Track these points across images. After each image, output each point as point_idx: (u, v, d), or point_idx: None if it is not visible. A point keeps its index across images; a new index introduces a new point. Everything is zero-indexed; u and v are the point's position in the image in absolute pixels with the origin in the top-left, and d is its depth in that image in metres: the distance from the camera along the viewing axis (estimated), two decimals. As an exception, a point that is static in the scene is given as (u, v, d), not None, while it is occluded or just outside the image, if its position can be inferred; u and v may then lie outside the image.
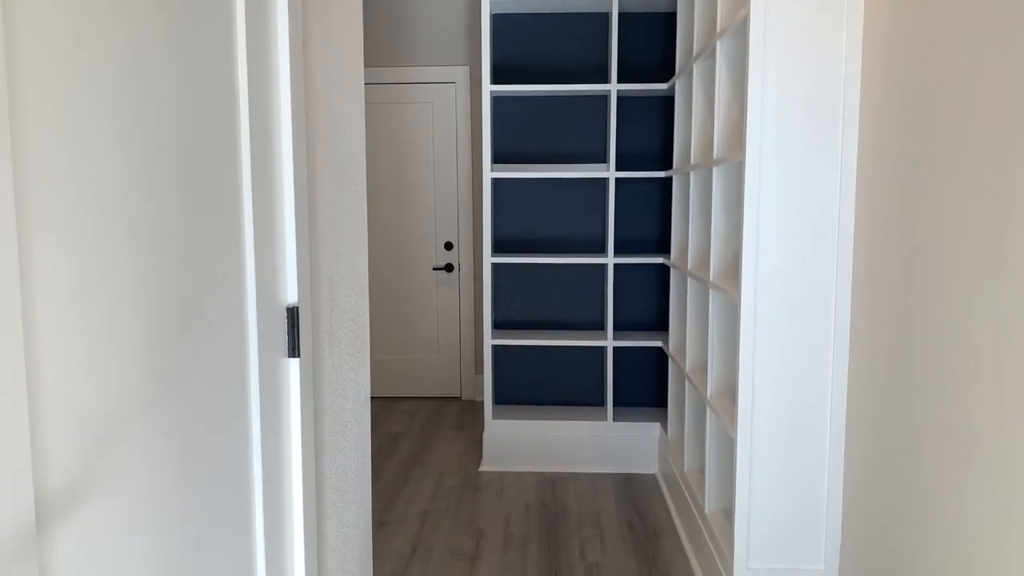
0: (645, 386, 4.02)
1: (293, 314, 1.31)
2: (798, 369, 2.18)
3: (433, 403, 5.08)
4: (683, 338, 3.46)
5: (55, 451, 0.75)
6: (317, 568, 1.53)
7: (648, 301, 3.98)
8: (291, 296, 1.32)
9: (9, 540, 0.66)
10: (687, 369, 3.03)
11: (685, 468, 3.07)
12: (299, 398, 1.33)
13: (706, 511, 2.65)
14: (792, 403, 2.19)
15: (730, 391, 2.61)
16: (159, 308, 0.93)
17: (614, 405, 3.91)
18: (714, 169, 2.55)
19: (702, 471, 3.00)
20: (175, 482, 0.98)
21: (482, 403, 5.07)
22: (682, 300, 3.45)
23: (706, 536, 2.62)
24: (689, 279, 3.06)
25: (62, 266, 0.76)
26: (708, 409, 2.63)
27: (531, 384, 4.05)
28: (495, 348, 4.01)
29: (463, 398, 5.17)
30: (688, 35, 3.33)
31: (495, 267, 3.98)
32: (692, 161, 2.98)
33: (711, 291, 2.61)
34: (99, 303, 0.82)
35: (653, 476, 3.73)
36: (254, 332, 1.18)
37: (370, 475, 1.94)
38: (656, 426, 3.76)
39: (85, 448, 0.79)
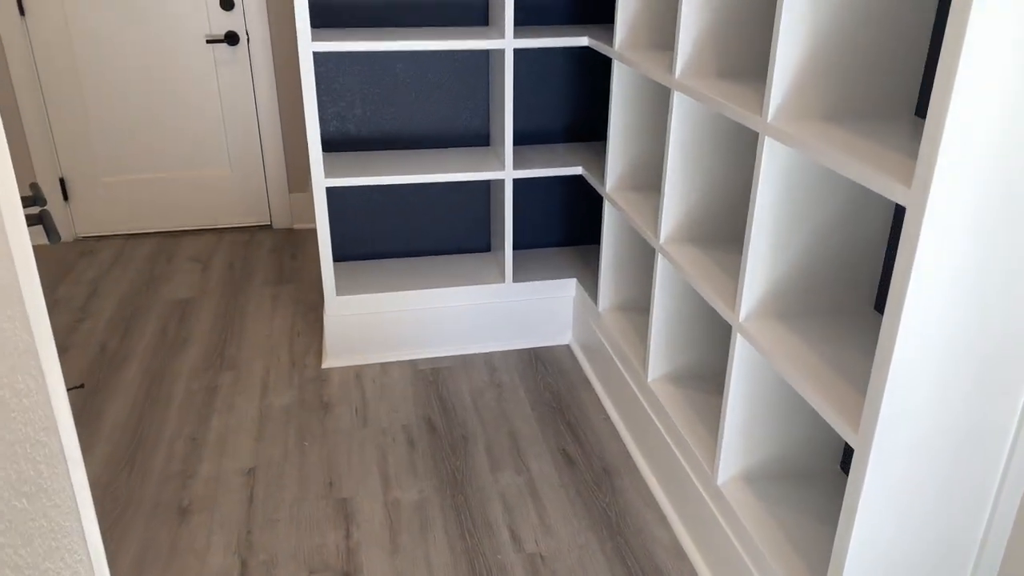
0: (550, 218, 2.87)
1: None
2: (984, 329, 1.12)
3: (233, 238, 3.64)
4: (636, 161, 2.29)
5: None
6: None
7: (558, 102, 2.69)
8: None
9: None
10: (662, 239, 1.90)
11: (650, 378, 2.06)
12: None
13: (719, 483, 1.69)
14: (964, 379, 1.16)
15: (776, 299, 1.53)
16: None
17: (513, 248, 2.73)
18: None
19: (699, 409, 2.01)
20: None
21: (303, 232, 3.70)
22: (631, 105, 2.21)
23: (722, 524, 1.68)
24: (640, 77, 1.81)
25: None
26: (739, 337, 1.56)
27: (386, 229, 2.76)
28: (329, 191, 2.63)
29: (275, 227, 3.76)
30: None
31: (320, 59, 2.47)
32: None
33: (769, 142, 1.41)
34: None
35: (567, 348, 2.73)
36: None
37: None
38: (571, 283, 2.68)
39: None
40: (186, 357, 2.65)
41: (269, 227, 3.75)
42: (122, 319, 2.89)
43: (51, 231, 1.47)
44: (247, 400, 2.41)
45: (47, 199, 3.44)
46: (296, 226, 3.76)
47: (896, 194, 1.05)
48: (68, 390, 2.45)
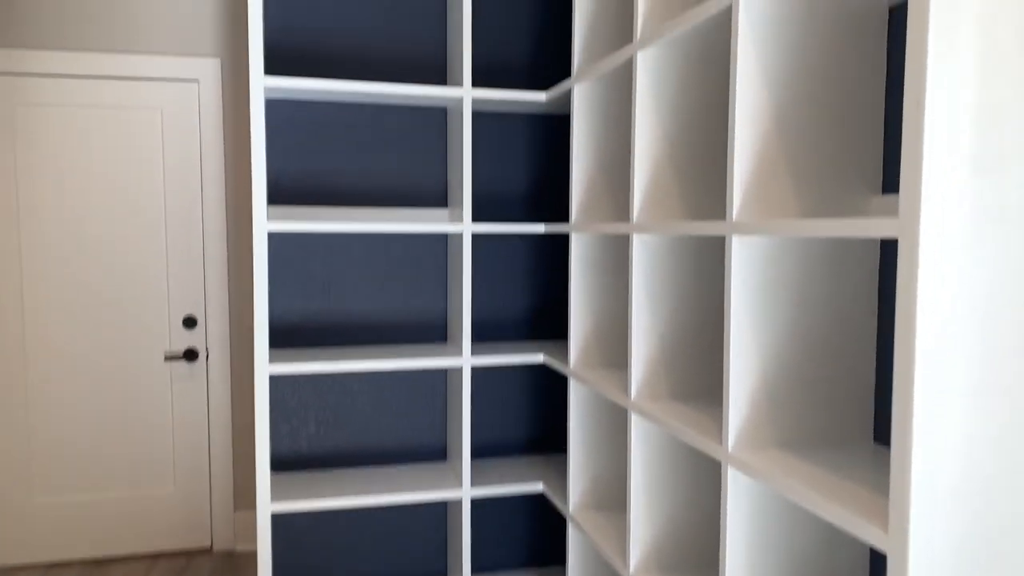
0: (511, 537, 2.70)
1: None
2: None
3: (168, 565, 3.34)
4: (599, 477, 2.20)
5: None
6: None
7: (517, 413, 2.68)
8: None
9: None
10: (631, 569, 1.76)
11: None
12: None
13: None
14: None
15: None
16: None
17: (472, 573, 2.53)
18: (735, 240, 1.33)
19: None
20: None
21: (246, 556, 3.43)
22: (589, 421, 2.19)
23: None
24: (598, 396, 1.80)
25: None
26: None
27: (335, 552, 2.55)
28: (276, 518, 2.48)
29: (215, 549, 3.49)
30: (601, 12, 2.12)
31: (275, 378, 2.47)
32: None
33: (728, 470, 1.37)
34: None
35: None
36: None
37: None
38: (536, 613, 2.45)
39: None
40: None
41: (209, 550, 3.47)
42: (22, 670, 2.51)
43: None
44: None
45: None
46: (239, 547, 3.49)
47: (873, 539, 0.99)
48: None
